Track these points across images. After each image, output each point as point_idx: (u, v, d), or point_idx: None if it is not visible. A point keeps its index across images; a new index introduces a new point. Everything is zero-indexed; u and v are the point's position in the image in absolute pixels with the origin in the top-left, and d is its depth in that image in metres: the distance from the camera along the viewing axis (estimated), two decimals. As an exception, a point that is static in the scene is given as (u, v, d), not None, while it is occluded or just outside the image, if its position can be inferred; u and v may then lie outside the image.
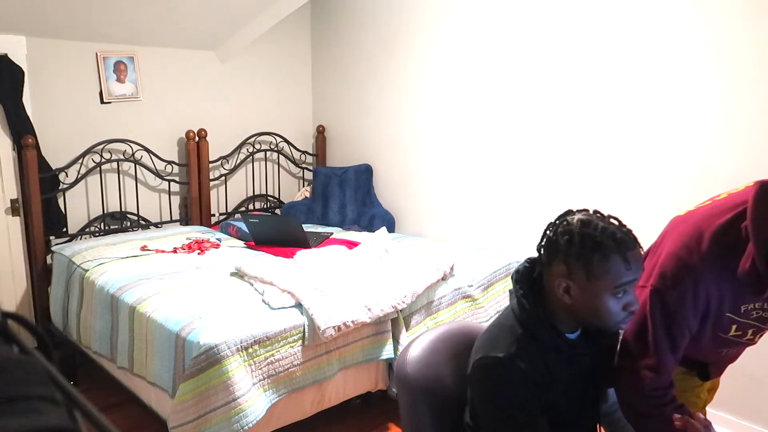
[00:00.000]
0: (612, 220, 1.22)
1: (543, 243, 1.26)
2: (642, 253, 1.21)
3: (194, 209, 3.81)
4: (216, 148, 3.90)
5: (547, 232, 1.25)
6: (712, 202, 1.39)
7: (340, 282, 2.56)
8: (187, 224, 3.84)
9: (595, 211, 1.24)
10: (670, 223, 1.43)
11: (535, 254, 1.30)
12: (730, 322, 1.35)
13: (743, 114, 2.41)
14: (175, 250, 3.15)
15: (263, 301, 2.41)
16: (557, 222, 1.25)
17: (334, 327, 2.29)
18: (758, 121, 2.38)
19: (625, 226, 1.22)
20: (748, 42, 2.37)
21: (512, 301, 1.31)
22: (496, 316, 1.39)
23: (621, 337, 1.40)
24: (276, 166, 4.32)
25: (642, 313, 1.32)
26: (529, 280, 1.29)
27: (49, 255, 3.24)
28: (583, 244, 1.17)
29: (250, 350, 2.16)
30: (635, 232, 1.22)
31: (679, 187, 2.62)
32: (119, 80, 3.53)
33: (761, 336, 1.47)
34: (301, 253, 2.97)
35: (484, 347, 1.27)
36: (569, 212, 1.25)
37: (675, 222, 1.42)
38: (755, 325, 1.37)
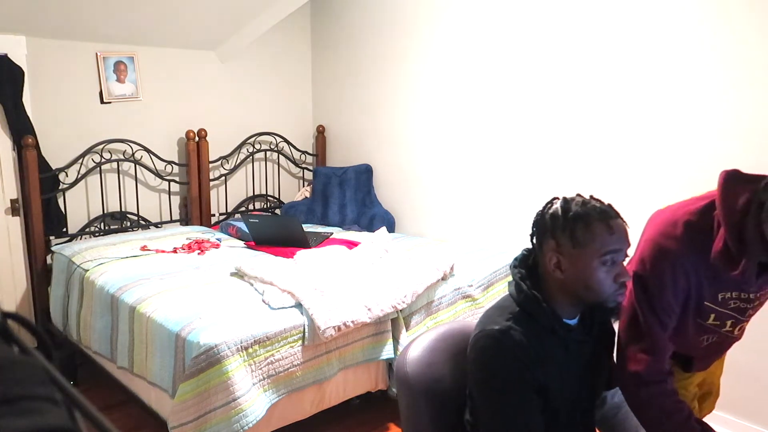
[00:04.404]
0: (592, 199, 1.29)
1: (533, 227, 1.33)
2: (626, 226, 1.26)
3: (194, 209, 3.81)
4: (216, 148, 3.90)
5: (535, 218, 1.32)
6: (691, 198, 1.46)
7: (340, 282, 2.56)
8: (187, 224, 3.84)
9: (577, 194, 1.31)
10: (650, 217, 1.49)
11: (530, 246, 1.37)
12: (708, 311, 1.40)
13: (744, 115, 2.41)
14: (175, 250, 3.15)
15: (263, 301, 2.41)
16: (543, 207, 1.32)
17: (334, 327, 2.29)
18: (761, 119, 2.38)
19: (606, 203, 1.28)
20: (753, 36, 2.37)
21: (509, 288, 1.35)
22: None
23: (618, 326, 1.44)
24: (276, 166, 4.32)
25: (630, 300, 1.39)
26: (526, 265, 1.34)
27: (49, 255, 3.24)
28: (566, 216, 1.25)
29: (250, 350, 2.16)
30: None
31: (680, 188, 2.62)
32: (119, 80, 3.53)
33: (742, 330, 1.49)
34: (301, 253, 2.97)
35: (480, 324, 1.31)
36: (553, 198, 1.32)
37: (654, 215, 1.48)
38: (734, 316, 1.41)
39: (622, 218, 1.27)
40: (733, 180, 1.31)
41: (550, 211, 1.28)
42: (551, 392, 1.27)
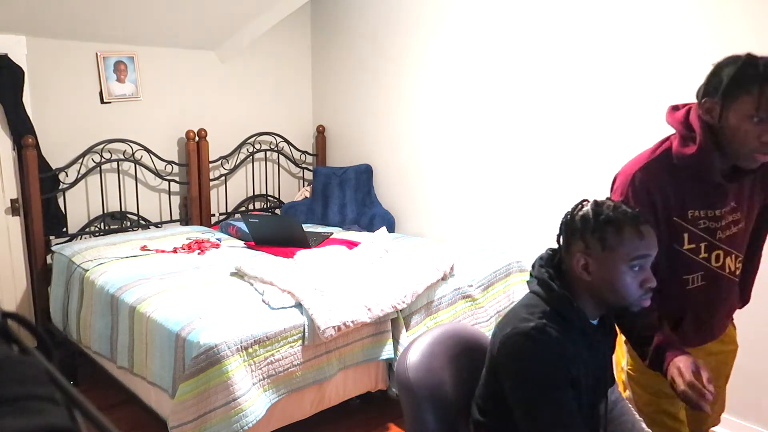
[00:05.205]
0: (623, 203, 1.31)
1: (561, 228, 1.34)
2: (654, 232, 1.29)
3: (194, 209, 3.81)
4: (216, 148, 3.90)
5: (564, 220, 1.33)
6: None
7: (340, 282, 2.56)
8: (187, 224, 3.84)
9: (607, 198, 1.34)
10: None
11: (554, 246, 1.39)
12: (681, 230, 1.49)
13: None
14: (175, 250, 3.15)
15: (263, 301, 2.41)
16: (572, 209, 1.33)
17: (334, 327, 2.29)
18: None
19: (636, 208, 1.31)
20: (750, 38, 2.37)
21: (533, 287, 1.35)
22: (512, 305, 1.43)
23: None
24: (276, 166, 4.32)
25: None
26: (552, 265, 1.35)
27: (49, 255, 3.24)
28: (597, 219, 1.26)
29: (250, 350, 2.16)
30: None
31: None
32: (119, 80, 3.53)
33: (722, 265, 1.54)
34: (301, 253, 2.97)
35: (511, 323, 1.29)
36: (583, 201, 1.34)
37: None
38: (706, 239, 1.50)
39: (651, 224, 1.29)
40: (674, 106, 1.56)
41: (581, 213, 1.30)
42: (578, 389, 1.27)
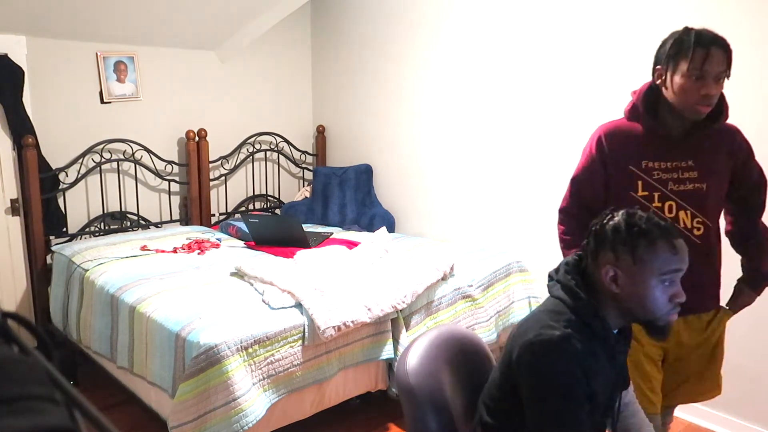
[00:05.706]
0: (654, 215, 1.28)
1: (589, 237, 1.30)
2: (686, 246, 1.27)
3: (194, 209, 3.81)
4: (216, 148, 3.90)
5: (593, 228, 1.30)
6: None
7: (340, 282, 2.56)
8: (187, 224, 3.84)
9: (638, 208, 1.31)
10: None
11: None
12: (635, 178, 1.70)
13: (742, 114, 2.41)
14: (175, 250, 3.15)
15: (263, 301, 2.41)
16: (602, 217, 1.30)
17: (334, 327, 2.29)
18: (759, 116, 2.38)
19: (667, 219, 1.29)
20: (748, 37, 2.37)
21: (556, 292, 1.32)
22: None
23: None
24: (276, 166, 4.32)
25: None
26: (578, 272, 1.32)
27: (49, 255, 3.24)
28: (629, 231, 1.23)
29: (250, 350, 2.16)
30: None
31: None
32: (119, 80, 3.53)
33: (674, 214, 1.66)
34: (301, 253, 2.97)
35: (533, 329, 1.26)
36: (612, 209, 1.31)
37: None
38: (659, 189, 1.69)
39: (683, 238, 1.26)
40: None
41: (612, 222, 1.26)
42: (594, 401, 1.26)
